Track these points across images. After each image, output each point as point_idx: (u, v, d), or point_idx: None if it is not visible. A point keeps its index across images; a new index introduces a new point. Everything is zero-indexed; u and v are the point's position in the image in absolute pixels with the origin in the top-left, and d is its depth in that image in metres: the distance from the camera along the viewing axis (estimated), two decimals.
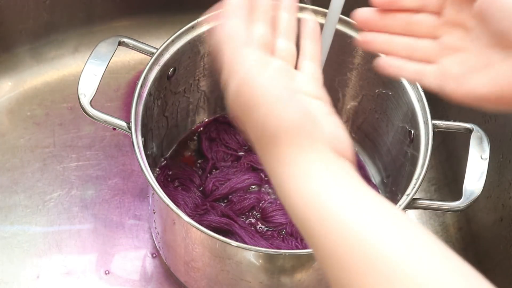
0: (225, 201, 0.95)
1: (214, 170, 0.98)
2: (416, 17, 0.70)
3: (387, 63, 0.71)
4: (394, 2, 0.70)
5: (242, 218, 0.94)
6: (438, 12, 0.69)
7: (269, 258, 0.80)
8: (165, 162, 0.98)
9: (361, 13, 0.71)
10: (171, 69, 0.90)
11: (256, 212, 0.95)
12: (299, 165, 0.57)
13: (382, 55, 0.70)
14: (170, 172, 0.97)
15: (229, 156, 0.99)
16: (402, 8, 0.70)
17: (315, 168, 0.56)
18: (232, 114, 0.62)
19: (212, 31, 0.64)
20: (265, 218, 0.94)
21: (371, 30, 0.71)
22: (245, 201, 0.94)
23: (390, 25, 0.71)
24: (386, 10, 0.71)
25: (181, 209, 0.79)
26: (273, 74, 0.61)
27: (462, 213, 1.01)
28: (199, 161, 0.99)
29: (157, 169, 0.97)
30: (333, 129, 0.60)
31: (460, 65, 0.67)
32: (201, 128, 1.01)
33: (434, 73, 0.68)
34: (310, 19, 0.68)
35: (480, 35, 0.66)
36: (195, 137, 1.01)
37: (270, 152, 0.58)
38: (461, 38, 0.67)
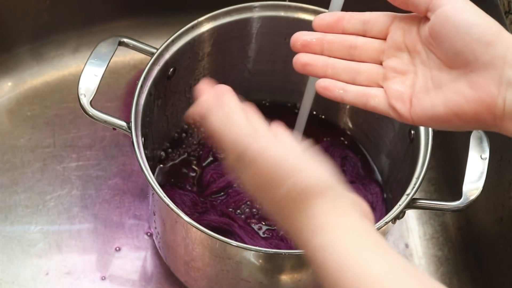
0: (222, 194, 0.95)
1: (212, 160, 0.98)
2: (360, 40, 0.69)
3: (327, 86, 0.69)
4: (335, 27, 0.69)
5: (241, 215, 0.94)
6: (382, 37, 0.68)
7: (269, 258, 0.80)
8: (164, 161, 0.98)
9: (300, 33, 0.69)
10: (171, 69, 0.90)
11: (254, 209, 0.95)
12: (331, 217, 0.58)
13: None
14: (167, 170, 0.97)
15: None
16: (344, 32, 0.69)
17: (346, 223, 0.58)
18: (247, 187, 0.63)
19: (207, 116, 0.64)
20: (264, 215, 0.94)
21: (309, 51, 0.69)
22: (240, 195, 0.94)
23: (332, 49, 0.69)
24: (327, 32, 0.69)
25: (179, 208, 0.79)
26: (288, 142, 0.62)
27: (462, 213, 1.01)
28: (194, 152, 0.99)
29: (157, 169, 0.97)
30: (352, 193, 0.61)
31: (408, 87, 0.66)
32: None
33: (380, 95, 0.68)
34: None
35: (426, 59, 0.65)
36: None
37: (300, 210, 0.59)
38: (406, 62, 0.67)
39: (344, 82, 0.69)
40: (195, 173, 0.97)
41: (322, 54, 0.69)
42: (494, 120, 0.63)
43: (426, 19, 0.65)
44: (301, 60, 0.69)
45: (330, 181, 0.60)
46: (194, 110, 0.65)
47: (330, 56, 0.69)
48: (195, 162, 0.98)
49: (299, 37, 0.69)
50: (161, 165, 0.98)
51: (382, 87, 0.68)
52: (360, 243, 0.56)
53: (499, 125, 0.63)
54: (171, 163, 0.98)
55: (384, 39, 0.68)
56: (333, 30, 0.69)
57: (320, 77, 0.69)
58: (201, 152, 0.98)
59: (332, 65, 0.69)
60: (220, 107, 0.64)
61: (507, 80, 0.61)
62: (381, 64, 0.68)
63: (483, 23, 0.62)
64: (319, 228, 0.57)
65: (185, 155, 0.99)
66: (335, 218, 0.58)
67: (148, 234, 0.98)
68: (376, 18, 0.68)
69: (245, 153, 0.60)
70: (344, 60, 0.69)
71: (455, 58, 0.63)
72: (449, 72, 0.64)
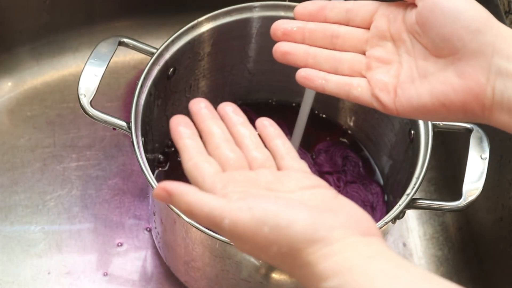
0: None
1: None
2: (342, 29, 0.67)
3: (308, 75, 0.67)
4: (317, 16, 0.67)
5: None
6: (365, 26, 0.67)
7: None
8: (164, 161, 0.98)
9: (281, 21, 0.68)
10: (171, 69, 0.90)
11: None
12: (329, 261, 0.53)
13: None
14: (166, 169, 0.97)
15: None
16: (327, 21, 0.67)
17: (347, 258, 0.53)
18: (238, 249, 0.58)
19: (172, 198, 0.57)
20: None
21: (290, 40, 0.67)
22: None
23: (313, 38, 0.67)
24: (309, 21, 0.67)
25: None
26: (258, 195, 0.57)
27: (462, 213, 1.01)
28: None
29: (157, 169, 0.97)
30: (349, 210, 0.56)
31: (392, 77, 0.65)
32: None
33: (363, 85, 0.66)
34: (269, 124, 0.63)
35: (411, 48, 0.64)
36: None
37: (297, 263, 0.55)
38: (390, 51, 0.65)
39: (325, 71, 0.67)
40: None
41: (303, 43, 0.67)
42: (482, 111, 0.61)
43: (413, 6, 0.64)
44: (281, 48, 0.68)
45: (314, 220, 0.54)
46: (158, 193, 0.57)
47: (312, 45, 0.67)
48: None
49: (280, 25, 0.68)
50: (161, 165, 0.98)
51: (365, 77, 0.66)
52: (368, 275, 0.52)
53: (488, 116, 0.62)
54: (171, 162, 0.98)
55: (368, 28, 0.67)
56: (315, 19, 0.68)
57: (301, 67, 0.68)
58: None
59: (313, 54, 0.67)
60: (180, 190, 0.56)
61: (496, 68, 0.60)
62: (364, 54, 0.67)
63: (473, 10, 0.61)
64: (323, 274, 0.53)
65: None
66: (335, 258, 0.53)
67: (148, 229, 0.98)
68: (359, 7, 0.67)
69: (221, 228, 0.55)
70: (326, 49, 0.67)
71: (442, 46, 0.62)
72: (435, 61, 0.63)
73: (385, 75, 0.65)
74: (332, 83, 0.67)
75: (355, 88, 0.66)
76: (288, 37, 0.68)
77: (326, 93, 0.67)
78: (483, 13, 0.61)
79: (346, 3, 0.68)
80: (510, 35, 0.60)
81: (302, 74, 0.67)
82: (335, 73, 0.67)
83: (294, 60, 0.68)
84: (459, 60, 0.61)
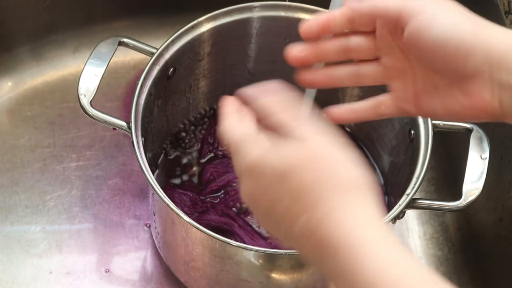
0: (221, 192, 0.95)
1: (212, 157, 0.98)
2: (352, 42, 0.67)
3: (338, 112, 0.68)
4: (323, 32, 0.66)
5: (240, 213, 0.94)
6: (372, 30, 0.66)
7: (269, 258, 0.81)
8: (163, 161, 0.98)
9: (294, 51, 0.66)
10: (171, 69, 0.90)
11: None
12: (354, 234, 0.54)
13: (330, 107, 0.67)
14: (166, 170, 0.97)
15: None
16: (332, 32, 0.66)
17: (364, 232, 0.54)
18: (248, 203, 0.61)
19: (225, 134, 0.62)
20: None
21: (308, 65, 0.67)
22: (239, 194, 0.94)
23: (327, 57, 0.67)
24: (318, 40, 0.66)
25: (179, 208, 0.79)
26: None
27: (462, 213, 1.01)
28: (194, 151, 0.99)
29: (157, 169, 0.97)
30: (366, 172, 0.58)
31: (411, 87, 0.65)
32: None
33: (387, 102, 0.67)
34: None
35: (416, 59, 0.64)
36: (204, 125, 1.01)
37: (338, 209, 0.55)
38: (401, 59, 0.65)
39: (348, 85, 0.68)
40: (195, 172, 0.97)
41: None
42: (495, 119, 0.62)
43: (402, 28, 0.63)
44: (305, 81, 0.68)
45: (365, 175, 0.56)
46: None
47: (328, 62, 0.67)
48: (195, 161, 0.98)
49: (292, 54, 0.67)
50: (161, 165, 0.98)
51: (386, 85, 0.67)
52: (388, 256, 0.53)
53: (500, 119, 0.62)
54: (171, 162, 0.98)
55: (374, 31, 0.66)
56: (322, 34, 0.67)
57: (326, 87, 0.68)
58: (201, 151, 0.98)
59: (332, 75, 0.67)
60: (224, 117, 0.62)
61: (498, 83, 0.60)
62: (378, 61, 0.67)
63: (456, 33, 0.60)
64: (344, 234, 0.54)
65: (185, 155, 0.99)
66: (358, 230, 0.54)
67: (147, 225, 0.98)
68: (360, 17, 0.66)
69: (245, 162, 0.58)
70: (344, 67, 0.67)
71: (441, 68, 0.62)
72: (441, 75, 0.62)
73: (403, 87, 0.66)
74: (361, 112, 0.68)
75: (381, 107, 0.67)
76: (303, 64, 0.67)
77: (357, 121, 0.70)
78: (469, 30, 0.60)
79: (345, 12, 0.67)
80: (502, 44, 0.60)
81: (331, 114, 0.68)
82: (357, 84, 0.68)
83: (320, 85, 0.68)
84: (461, 80, 0.61)
